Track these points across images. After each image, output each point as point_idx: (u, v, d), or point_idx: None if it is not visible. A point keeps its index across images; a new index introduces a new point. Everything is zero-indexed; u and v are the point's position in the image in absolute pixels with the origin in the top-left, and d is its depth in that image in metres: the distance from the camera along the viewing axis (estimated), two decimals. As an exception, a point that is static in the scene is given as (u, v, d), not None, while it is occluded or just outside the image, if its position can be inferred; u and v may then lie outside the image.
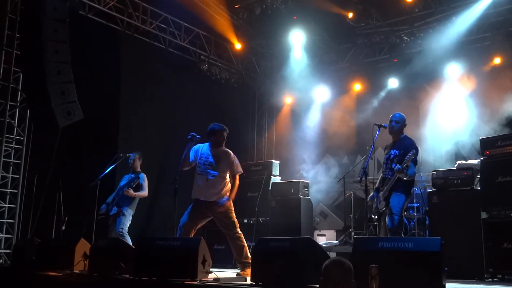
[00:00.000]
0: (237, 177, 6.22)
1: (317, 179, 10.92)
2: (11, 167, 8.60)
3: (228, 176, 6.16)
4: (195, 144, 6.16)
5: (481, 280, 6.21)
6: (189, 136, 6.07)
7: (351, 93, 11.25)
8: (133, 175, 7.48)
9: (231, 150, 6.28)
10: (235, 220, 6.08)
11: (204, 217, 6.08)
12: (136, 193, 7.32)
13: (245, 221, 9.26)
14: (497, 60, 9.20)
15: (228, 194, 6.09)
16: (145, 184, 7.44)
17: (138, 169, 7.59)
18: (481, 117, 8.91)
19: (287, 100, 12.16)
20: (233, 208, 6.10)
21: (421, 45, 9.84)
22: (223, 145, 6.26)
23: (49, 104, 7.42)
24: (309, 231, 9.00)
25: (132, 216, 7.47)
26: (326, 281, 2.95)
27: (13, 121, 8.69)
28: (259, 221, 9.13)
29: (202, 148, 6.23)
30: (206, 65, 10.92)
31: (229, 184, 6.16)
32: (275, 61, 12.09)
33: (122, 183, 7.50)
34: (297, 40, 10.90)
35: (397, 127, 5.93)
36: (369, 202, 5.94)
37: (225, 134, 6.26)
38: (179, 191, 5.89)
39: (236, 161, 6.22)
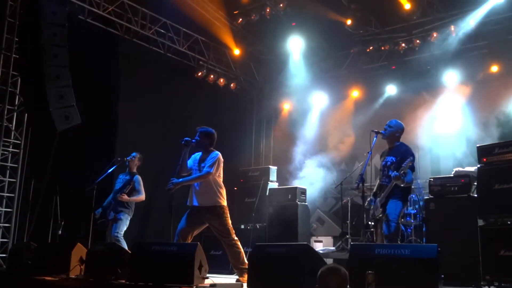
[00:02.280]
0: (208, 175, 5.86)
1: (314, 185, 10.92)
2: (8, 171, 8.58)
3: (219, 180, 6.09)
4: (189, 149, 6.11)
5: (477, 288, 6.21)
6: (183, 142, 6.02)
7: (349, 99, 11.27)
8: (127, 177, 7.42)
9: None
10: (230, 227, 6.02)
11: (200, 223, 6.04)
12: (131, 198, 7.26)
13: (242, 226, 9.25)
14: (494, 68, 9.24)
15: (221, 200, 6.01)
16: (141, 187, 7.38)
17: (134, 170, 7.51)
18: (478, 125, 8.93)
19: (285, 106, 12.19)
20: (228, 215, 6.04)
21: (419, 52, 9.87)
22: (213, 147, 6.19)
23: (47, 108, 7.42)
24: (306, 237, 8.99)
25: (130, 220, 7.42)
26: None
27: (11, 125, 8.68)
28: (256, 226, 9.12)
29: (198, 154, 6.21)
30: (204, 70, 10.96)
31: (222, 189, 6.08)
32: (273, 67, 12.11)
33: (117, 185, 7.44)
34: (295, 47, 10.94)
35: (390, 130, 5.92)
36: (366, 206, 5.92)
37: (215, 137, 6.23)
38: (176, 196, 5.87)
39: (213, 160, 5.94)
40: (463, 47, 9.37)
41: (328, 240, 9.73)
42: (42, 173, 8.53)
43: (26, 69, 8.06)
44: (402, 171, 5.51)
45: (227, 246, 6.03)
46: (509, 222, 6.44)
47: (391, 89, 10.57)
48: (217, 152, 6.10)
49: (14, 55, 8.49)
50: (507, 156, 6.61)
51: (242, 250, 6.03)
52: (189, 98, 10.68)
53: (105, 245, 6.39)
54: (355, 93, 11.18)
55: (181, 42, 10.59)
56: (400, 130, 5.97)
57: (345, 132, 10.56)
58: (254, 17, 10.11)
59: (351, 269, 3.96)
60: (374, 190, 5.99)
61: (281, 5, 9.66)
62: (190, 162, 6.14)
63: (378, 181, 6.00)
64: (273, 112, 12.37)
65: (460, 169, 7.82)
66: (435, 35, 9.32)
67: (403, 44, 9.81)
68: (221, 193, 6.05)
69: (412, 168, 5.67)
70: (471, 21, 8.84)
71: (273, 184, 9.67)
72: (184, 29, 10.56)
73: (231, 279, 6.17)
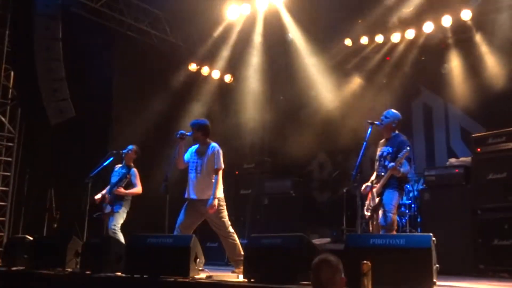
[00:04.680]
0: (220, 172, 5.99)
1: (310, 176, 10.94)
2: (2, 165, 8.56)
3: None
4: (186, 142, 6.10)
5: (472, 277, 6.24)
6: (178, 135, 6.00)
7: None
8: (124, 170, 7.39)
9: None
10: (226, 219, 6.02)
11: (198, 216, 6.03)
12: (128, 191, 7.21)
13: (238, 218, 9.25)
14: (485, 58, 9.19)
15: (217, 192, 6.00)
16: (137, 180, 7.34)
17: (131, 163, 7.46)
18: (472, 114, 8.94)
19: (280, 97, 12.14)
20: (224, 207, 6.05)
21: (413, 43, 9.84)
22: (208, 139, 6.19)
23: (41, 102, 7.39)
24: (302, 228, 8.99)
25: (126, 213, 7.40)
26: (315, 279, 2.96)
27: (4, 119, 8.65)
28: (252, 218, 9.13)
29: (194, 147, 6.20)
30: (199, 63, 10.91)
31: (219, 181, 6.09)
32: (273, 62, 11.98)
33: (113, 178, 7.40)
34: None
35: (386, 121, 5.92)
36: (362, 190, 5.88)
37: (209, 128, 6.23)
38: (171, 189, 5.86)
39: (219, 156, 6.01)
40: (457, 37, 9.34)
41: (324, 231, 9.75)
42: (36, 166, 8.51)
43: (19, 62, 8.02)
44: (398, 162, 5.52)
45: (223, 238, 6.04)
46: (503, 212, 6.48)
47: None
48: (215, 144, 6.11)
49: (6, 48, 8.44)
50: (501, 145, 6.65)
51: (238, 242, 6.03)
52: (183, 90, 10.64)
53: (100, 238, 6.39)
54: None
55: (174, 34, 10.53)
56: (396, 120, 5.95)
57: (342, 122, 10.48)
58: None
59: (347, 260, 3.95)
60: (372, 178, 5.98)
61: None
62: (187, 156, 6.14)
63: (374, 172, 5.99)
64: (268, 104, 12.31)
65: (454, 159, 7.84)
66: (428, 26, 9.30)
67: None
68: (218, 184, 6.05)
69: (409, 159, 5.67)
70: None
71: (268, 176, 9.67)
72: (177, 22, 10.49)
73: (227, 271, 6.18)
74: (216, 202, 5.85)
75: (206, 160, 6.01)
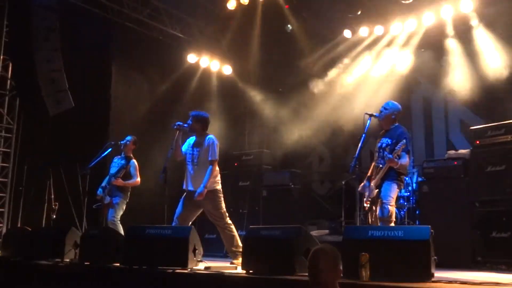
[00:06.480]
0: (214, 164, 6.00)
1: (309, 168, 10.94)
2: (0, 156, 8.55)
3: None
4: (183, 133, 6.09)
5: (469, 269, 6.26)
6: (175, 126, 6.00)
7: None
8: (123, 161, 7.38)
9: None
10: (224, 210, 6.05)
11: (196, 208, 6.05)
12: (125, 182, 7.20)
13: (237, 210, 9.25)
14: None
15: (215, 184, 6.03)
16: (136, 172, 7.34)
17: (130, 154, 7.45)
18: (471, 106, 8.92)
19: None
20: (221, 199, 6.06)
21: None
22: (206, 132, 6.19)
23: (39, 93, 7.37)
24: (300, 220, 9.02)
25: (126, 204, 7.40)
26: (312, 270, 2.96)
27: (3, 110, 8.62)
28: (250, 210, 9.14)
29: (191, 139, 6.20)
30: (197, 55, 10.86)
31: (216, 173, 6.09)
32: (266, 55, 11.94)
33: (112, 168, 7.39)
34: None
35: (385, 113, 5.89)
36: (360, 190, 5.91)
37: (209, 121, 6.24)
38: (169, 180, 5.87)
39: (214, 148, 6.02)
40: (457, 29, 9.30)
41: (322, 223, 9.77)
42: (35, 157, 8.50)
43: (17, 54, 7.99)
44: (396, 154, 5.50)
45: (221, 230, 6.06)
46: (501, 204, 6.49)
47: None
48: (211, 136, 6.10)
49: (4, 39, 8.40)
50: (500, 138, 6.65)
51: (236, 233, 6.05)
52: (183, 81, 10.61)
53: (99, 229, 6.40)
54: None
55: (173, 25, 10.47)
56: (396, 112, 5.92)
57: (341, 114, 10.46)
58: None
59: (345, 251, 3.98)
60: (369, 173, 5.97)
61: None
62: (184, 147, 6.14)
63: (373, 163, 5.98)
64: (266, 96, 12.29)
65: (453, 151, 7.84)
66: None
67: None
68: (215, 177, 6.05)
69: (407, 151, 5.66)
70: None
71: (267, 168, 9.67)
72: (176, 12, 10.44)
73: (226, 262, 6.20)
74: (205, 191, 5.84)
75: (203, 151, 6.02)
